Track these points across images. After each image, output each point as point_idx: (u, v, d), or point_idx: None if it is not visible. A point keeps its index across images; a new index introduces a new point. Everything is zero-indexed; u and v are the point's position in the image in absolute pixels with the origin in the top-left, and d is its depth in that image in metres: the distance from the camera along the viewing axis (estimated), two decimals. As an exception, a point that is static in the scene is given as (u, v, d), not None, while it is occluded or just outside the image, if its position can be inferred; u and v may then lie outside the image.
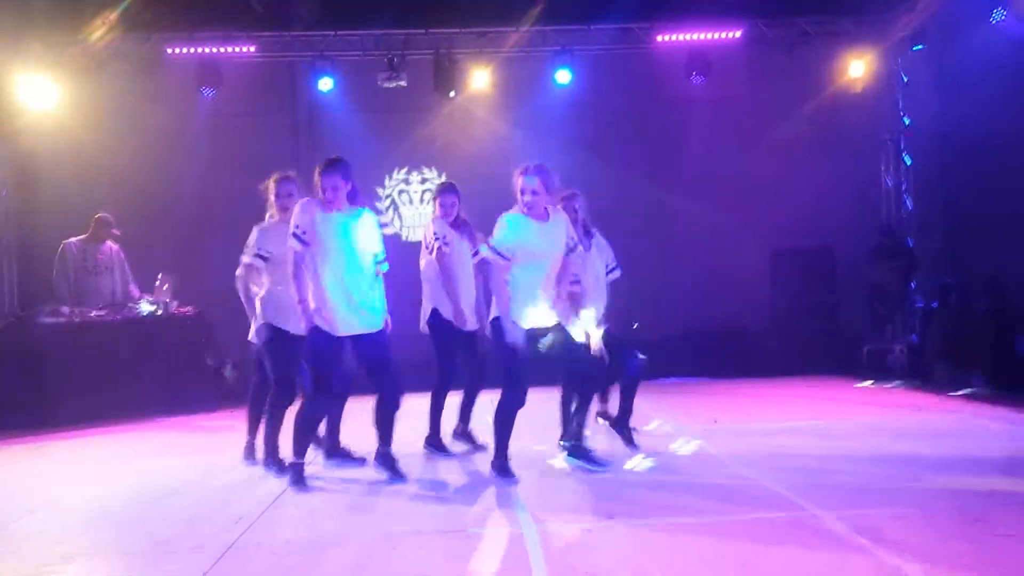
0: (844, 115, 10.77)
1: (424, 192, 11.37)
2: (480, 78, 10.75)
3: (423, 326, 6.22)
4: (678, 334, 10.54)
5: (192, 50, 10.35)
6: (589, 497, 4.89)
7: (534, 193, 5.24)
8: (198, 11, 10.17)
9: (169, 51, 10.31)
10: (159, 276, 8.96)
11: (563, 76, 10.67)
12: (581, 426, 5.58)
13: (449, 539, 4.19)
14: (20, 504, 5.33)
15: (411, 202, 11.55)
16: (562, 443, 5.66)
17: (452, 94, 10.66)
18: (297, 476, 5.29)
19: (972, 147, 9.66)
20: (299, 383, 5.67)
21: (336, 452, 5.97)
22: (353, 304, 5.18)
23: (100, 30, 9.76)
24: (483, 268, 5.47)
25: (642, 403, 6.42)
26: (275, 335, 5.60)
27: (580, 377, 5.51)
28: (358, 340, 5.25)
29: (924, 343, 9.66)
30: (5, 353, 8.29)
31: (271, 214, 5.85)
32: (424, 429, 6.21)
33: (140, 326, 8.72)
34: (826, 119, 10.75)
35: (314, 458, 5.85)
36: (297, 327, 5.35)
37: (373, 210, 5.92)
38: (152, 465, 6.38)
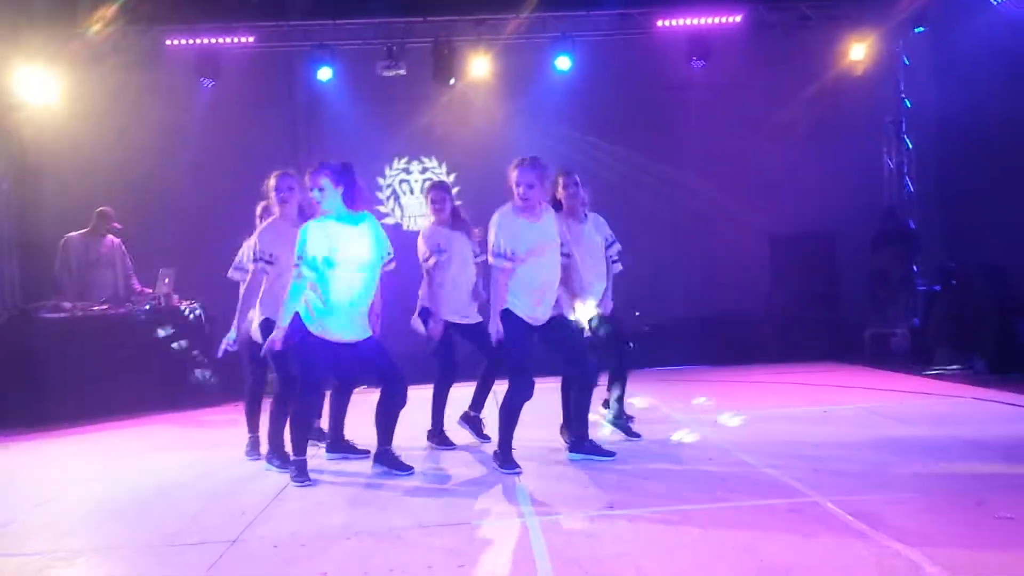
0: (845, 98, 10.71)
1: (425, 181, 11.32)
2: (480, 66, 10.71)
3: (414, 320, 6.21)
4: (678, 321, 10.56)
5: (191, 41, 10.34)
6: (591, 487, 4.92)
7: (529, 187, 5.23)
8: (197, 2, 10.18)
9: (168, 43, 10.32)
10: (159, 271, 8.98)
11: (563, 62, 10.63)
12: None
13: (453, 531, 4.22)
14: (26, 498, 5.37)
15: (412, 191, 11.51)
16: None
17: (452, 82, 10.63)
18: (300, 471, 5.31)
19: (974, 129, 9.62)
20: (272, 379, 5.72)
21: (340, 446, 6.00)
22: (347, 315, 5.15)
23: (99, 23, 9.76)
24: (486, 265, 5.48)
25: (642, 391, 6.44)
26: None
27: (581, 369, 5.49)
28: (353, 347, 5.25)
29: (926, 326, 9.66)
30: (7, 348, 8.28)
31: (265, 205, 5.93)
32: (426, 422, 6.23)
33: (142, 320, 8.72)
34: (827, 103, 10.69)
35: (317, 452, 5.88)
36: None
37: (375, 203, 5.91)
38: (156, 460, 6.41)
